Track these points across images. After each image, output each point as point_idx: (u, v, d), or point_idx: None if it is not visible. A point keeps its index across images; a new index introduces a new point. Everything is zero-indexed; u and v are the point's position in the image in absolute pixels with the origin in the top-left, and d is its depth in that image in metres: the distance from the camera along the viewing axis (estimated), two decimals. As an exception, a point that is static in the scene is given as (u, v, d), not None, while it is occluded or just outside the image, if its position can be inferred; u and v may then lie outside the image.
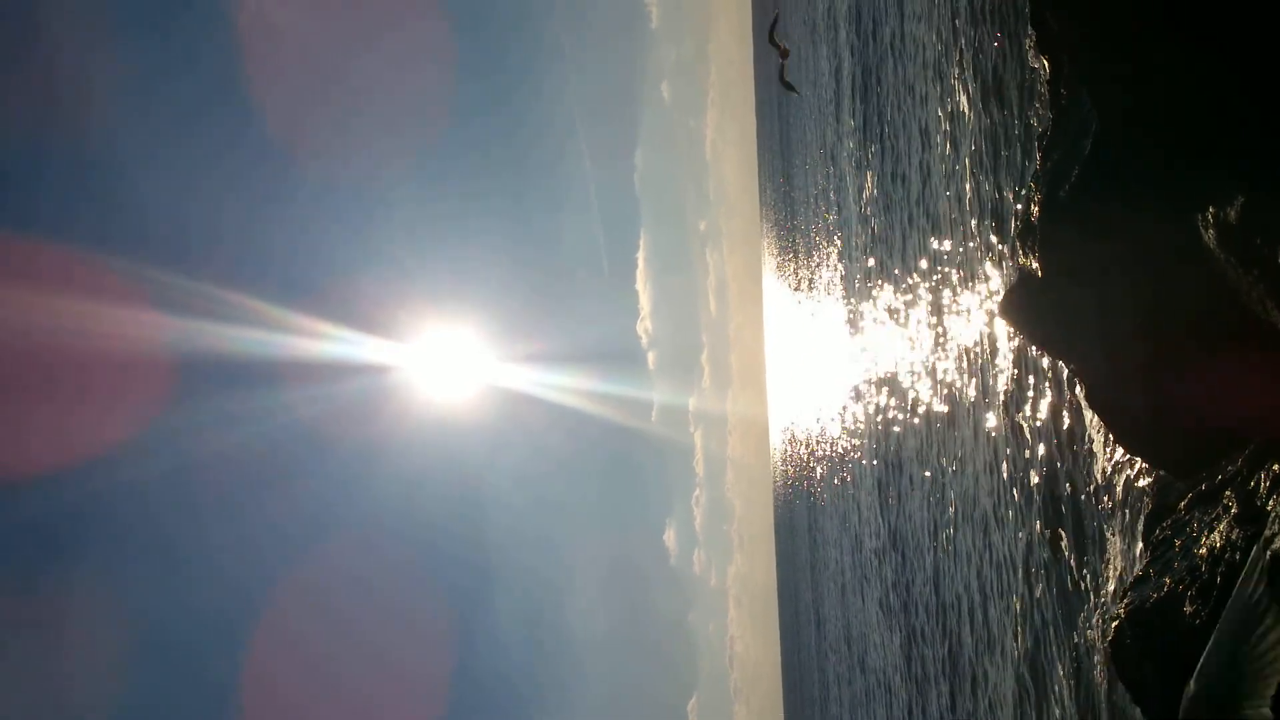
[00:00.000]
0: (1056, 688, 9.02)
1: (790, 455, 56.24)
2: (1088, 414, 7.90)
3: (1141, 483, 6.91)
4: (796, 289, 45.25)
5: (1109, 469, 7.58)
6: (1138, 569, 4.77)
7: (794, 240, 46.93)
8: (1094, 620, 7.94)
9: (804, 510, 48.38)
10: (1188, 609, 3.90)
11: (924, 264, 15.09)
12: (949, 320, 13.38)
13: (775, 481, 77.01)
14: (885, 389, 19.65)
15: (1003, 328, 10.65)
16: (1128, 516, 7.15)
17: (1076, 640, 8.42)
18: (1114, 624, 4.51)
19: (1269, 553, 3.30)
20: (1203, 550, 4.01)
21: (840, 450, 29.73)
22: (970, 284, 12.16)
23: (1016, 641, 10.43)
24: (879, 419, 20.90)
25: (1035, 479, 9.63)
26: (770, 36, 15.35)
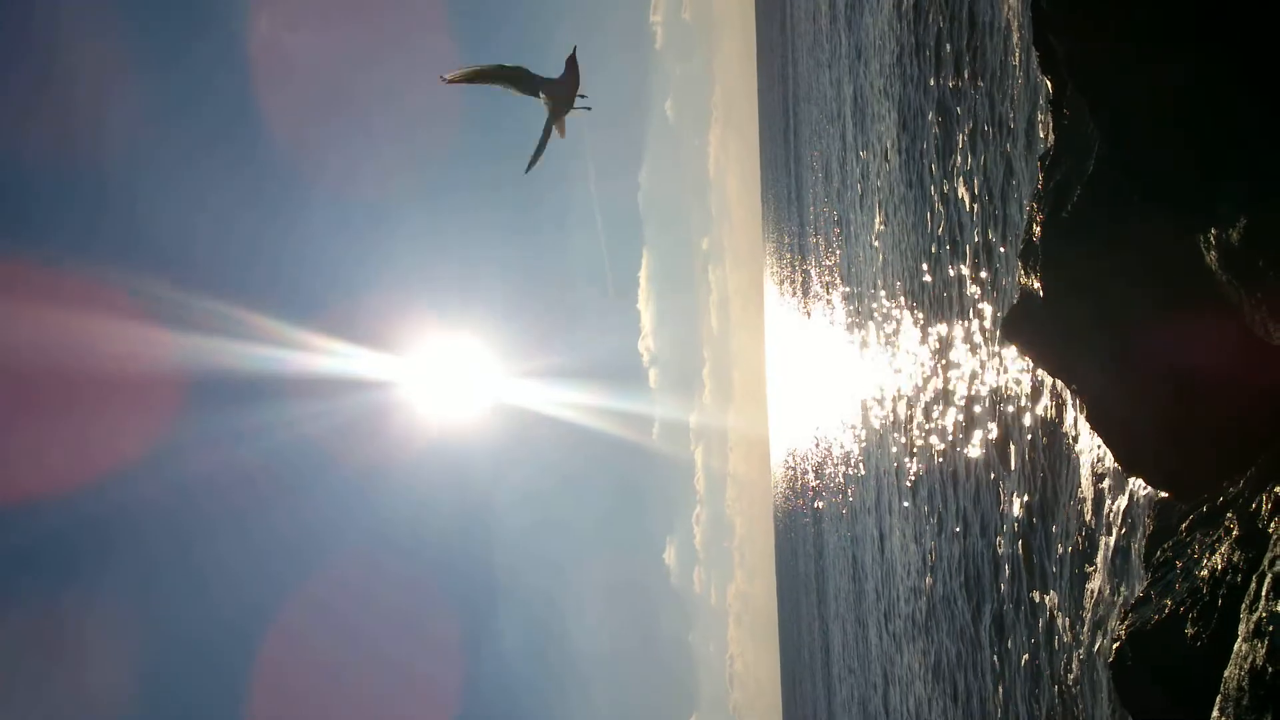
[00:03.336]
0: (1058, 710, 8.96)
1: (791, 472, 56.12)
2: (1089, 434, 7.89)
3: (1142, 504, 6.89)
4: (799, 306, 45.30)
5: (1109, 490, 7.56)
6: (1139, 590, 4.75)
7: (797, 257, 47.03)
8: (1095, 642, 7.90)
9: (805, 528, 48.23)
10: (1189, 631, 3.89)
11: (927, 282, 15.11)
12: (951, 339, 13.39)
13: (776, 498, 76.82)
14: (886, 407, 19.63)
15: (1005, 348, 10.65)
16: (1128, 538, 7.13)
17: (1078, 662, 8.37)
18: (1115, 645, 4.49)
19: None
20: (1204, 572, 3.99)
21: (841, 467, 29.67)
22: (972, 303, 12.17)
23: (1018, 663, 10.37)
24: (880, 437, 20.87)
25: (1035, 498, 9.60)
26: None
